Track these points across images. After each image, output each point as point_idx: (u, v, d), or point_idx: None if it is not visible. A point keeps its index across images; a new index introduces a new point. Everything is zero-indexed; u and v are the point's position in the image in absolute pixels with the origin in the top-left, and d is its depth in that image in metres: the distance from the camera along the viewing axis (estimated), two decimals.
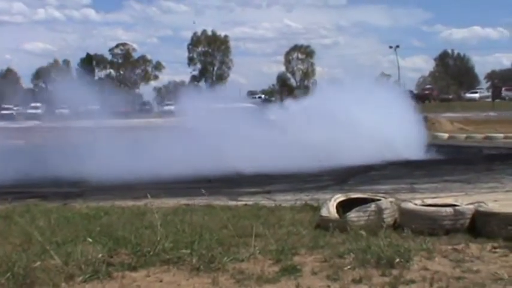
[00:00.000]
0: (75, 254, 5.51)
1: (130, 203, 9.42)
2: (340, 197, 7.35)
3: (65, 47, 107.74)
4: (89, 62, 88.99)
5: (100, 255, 5.49)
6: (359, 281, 4.91)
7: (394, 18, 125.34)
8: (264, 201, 9.73)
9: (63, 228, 6.95)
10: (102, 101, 19.80)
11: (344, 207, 7.06)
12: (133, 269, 5.33)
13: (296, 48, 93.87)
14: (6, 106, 58.64)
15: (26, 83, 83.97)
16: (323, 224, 6.84)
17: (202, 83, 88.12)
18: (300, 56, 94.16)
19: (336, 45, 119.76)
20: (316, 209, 7.74)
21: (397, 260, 5.32)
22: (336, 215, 6.88)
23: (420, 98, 72.61)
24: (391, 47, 79.09)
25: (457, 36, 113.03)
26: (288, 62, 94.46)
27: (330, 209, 6.98)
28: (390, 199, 7.14)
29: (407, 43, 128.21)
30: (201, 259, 5.43)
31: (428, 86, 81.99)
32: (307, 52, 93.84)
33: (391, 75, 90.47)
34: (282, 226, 7.06)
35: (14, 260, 5.20)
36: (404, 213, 6.75)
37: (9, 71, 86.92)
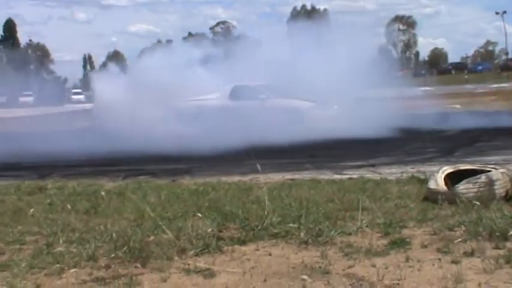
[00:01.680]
0: (186, 228, 5.65)
1: (236, 178, 9.57)
2: (448, 169, 7.16)
3: (167, 27, 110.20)
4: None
5: (210, 230, 5.61)
6: (471, 254, 4.79)
7: None
8: (369, 174, 9.65)
9: (173, 204, 7.16)
10: None
11: (452, 179, 6.89)
12: (243, 243, 5.42)
13: (397, 19, 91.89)
14: None
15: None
16: (431, 197, 6.71)
17: None
18: (401, 27, 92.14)
19: (438, 14, 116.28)
20: (423, 181, 7.60)
21: (511, 232, 5.14)
22: (445, 187, 6.72)
23: None
24: (497, 13, 76.43)
25: None
26: (389, 33, 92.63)
27: (438, 181, 6.82)
28: (501, 170, 6.90)
29: None
30: (309, 233, 5.45)
31: None
32: (408, 23, 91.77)
33: (497, 43, 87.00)
34: (388, 199, 6.97)
35: (130, 235, 5.38)
36: None
37: (116, 53, 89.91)
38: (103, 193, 7.70)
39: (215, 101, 19.95)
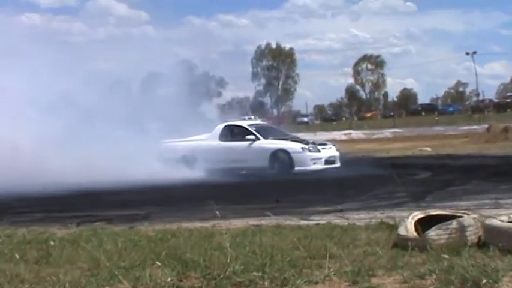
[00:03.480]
0: (144, 278, 5.42)
1: (197, 224, 9.30)
2: (418, 214, 7.00)
3: (125, 64, 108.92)
4: (150, 79, 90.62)
5: (169, 279, 5.38)
6: None
7: (469, 23, 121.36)
8: (336, 220, 9.44)
9: (131, 252, 6.87)
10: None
11: (423, 225, 6.72)
12: None
13: (365, 58, 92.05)
14: None
15: None
16: (401, 243, 6.52)
17: (267, 98, 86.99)
18: (369, 66, 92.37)
19: (407, 54, 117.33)
20: (393, 227, 7.43)
21: (484, 281, 4.96)
22: (415, 234, 6.55)
23: (501, 106, 69.93)
24: (467, 54, 77.01)
25: None
26: (356, 73, 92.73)
27: (408, 227, 6.65)
28: (473, 215, 6.75)
29: (485, 49, 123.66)
30: (274, 282, 5.25)
31: (509, 94, 78.84)
32: (376, 62, 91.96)
33: (468, 83, 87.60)
34: (357, 246, 6.78)
35: (83, 286, 5.20)
36: (490, 231, 6.33)
37: None
38: (52, 243, 7.34)
39: (206, 142, 19.65)
